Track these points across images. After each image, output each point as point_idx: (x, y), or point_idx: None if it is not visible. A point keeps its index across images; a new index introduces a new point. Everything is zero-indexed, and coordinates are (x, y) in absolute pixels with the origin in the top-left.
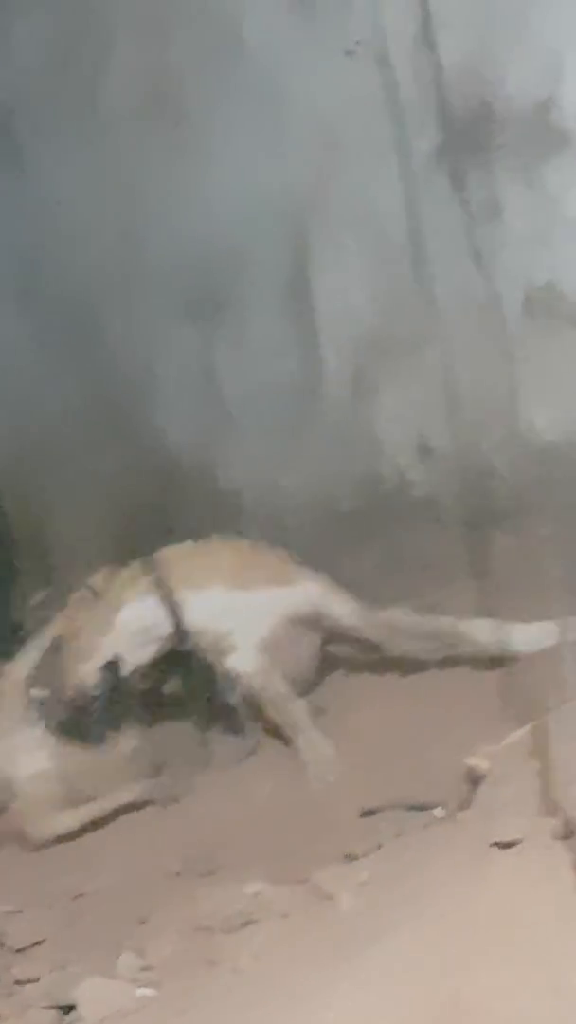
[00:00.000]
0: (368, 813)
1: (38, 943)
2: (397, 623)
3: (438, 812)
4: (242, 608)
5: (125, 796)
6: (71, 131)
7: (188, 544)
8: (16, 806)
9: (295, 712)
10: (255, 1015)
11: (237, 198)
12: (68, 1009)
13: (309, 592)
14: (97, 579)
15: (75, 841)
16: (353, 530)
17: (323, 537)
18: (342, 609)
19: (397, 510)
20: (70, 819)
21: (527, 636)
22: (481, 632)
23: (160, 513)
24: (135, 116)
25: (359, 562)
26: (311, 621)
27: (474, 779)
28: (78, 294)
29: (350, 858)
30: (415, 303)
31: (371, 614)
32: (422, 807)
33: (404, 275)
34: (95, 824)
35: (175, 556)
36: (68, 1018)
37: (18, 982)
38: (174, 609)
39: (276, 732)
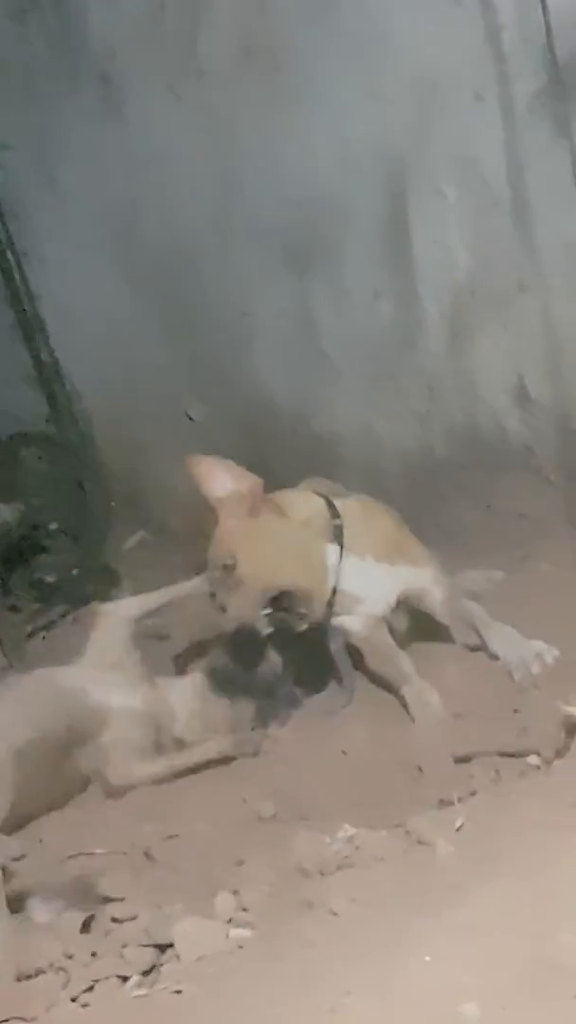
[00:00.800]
0: (462, 760)
1: (134, 883)
2: (470, 619)
3: (533, 760)
4: (381, 581)
5: (211, 751)
6: (170, 78)
7: (352, 502)
8: (103, 741)
9: (401, 663)
10: (352, 959)
11: (335, 145)
12: (165, 948)
13: (427, 577)
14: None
15: (164, 784)
16: (449, 478)
17: (418, 484)
18: (438, 596)
19: (493, 458)
20: (151, 768)
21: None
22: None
23: (256, 459)
24: (234, 63)
25: (454, 510)
26: (415, 599)
27: (570, 727)
28: (177, 242)
29: (445, 804)
30: (514, 250)
31: (455, 606)
32: (517, 754)
33: (504, 222)
34: (176, 775)
35: (349, 515)
36: (164, 956)
37: (115, 920)
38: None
39: (378, 681)
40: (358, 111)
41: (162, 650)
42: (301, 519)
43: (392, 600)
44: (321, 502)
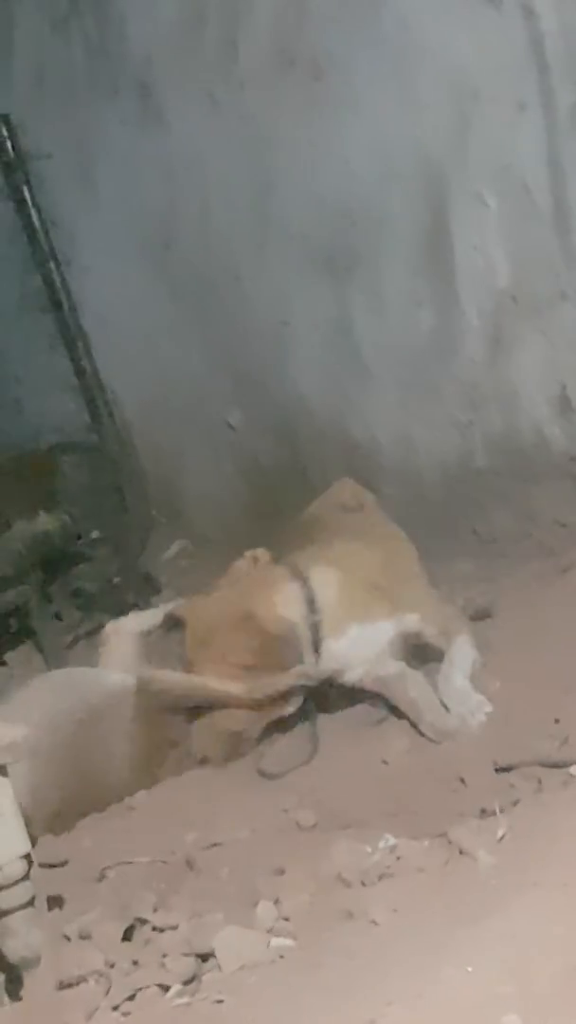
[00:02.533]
0: (503, 769)
1: (175, 892)
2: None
3: (575, 770)
4: (366, 641)
5: None
6: (209, 87)
7: (328, 568)
8: None
9: (412, 690)
10: (393, 969)
11: (374, 152)
12: (206, 957)
13: (413, 620)
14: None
15: (206, 794)
16: (488, 486)
17: (458, 493)
18: (430, 631)
19: (534, 467)
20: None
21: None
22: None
23: (293, 466)
24: (272, 70)
25: (493, 519)
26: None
27: None
28: (215, 250)
29: (487, 814)
30: (556, 258)
31: (442, 639)
32: (558, 764)
33: (545, 230)
34: None
35: (325, 586)
36: (205, 966)
37: (156, 929)
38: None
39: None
40: (398, 119)
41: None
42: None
43: (382, 648)
44: (298, 595)
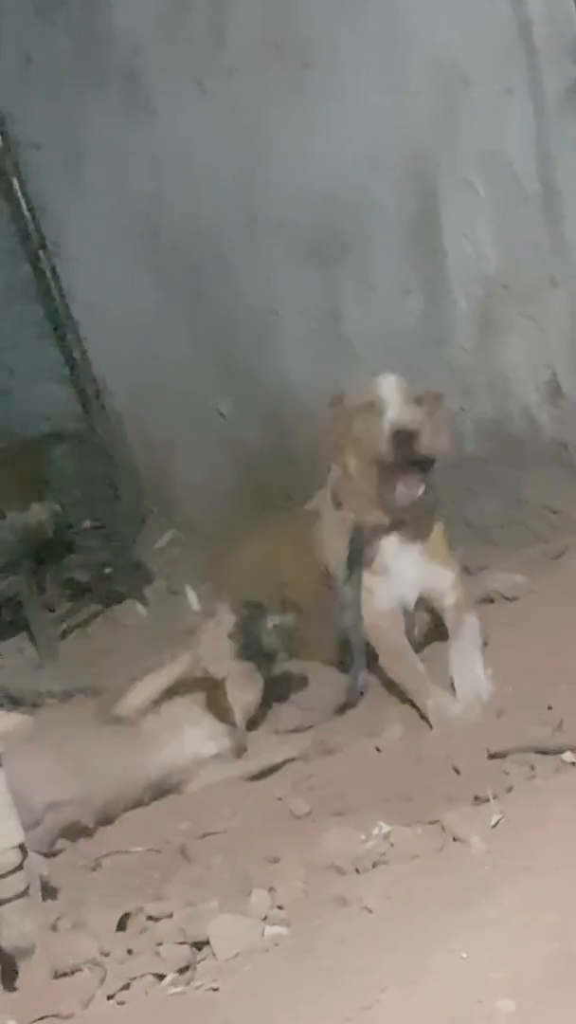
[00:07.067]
0: (497, 756)
1: (169, 881)
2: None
3: (568, 756)
4: (411, 568)
5: (282, 754)
6: (197, 74)
7: None
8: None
9: (412, 668)
10: (387, 955)
11: (362, 139)
12: (200, 945)
13: (447, 579)
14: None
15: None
16: (479, 473)
17: (449, 480)
18: (449, 600)
19: (525, 454)
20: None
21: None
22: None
23: (283, 453)
24: (260, 58)
25: (484, 506)
26: (432, 598)
27: None
28: (204, 239)
29: (480, 801)
30: (545, 245)
31: (457, 613)
32: (551, 751)
33: (534, 216)
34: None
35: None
36: (200, 954)
37: (151, 918)
38: None
39: (390, 687)
40: (386, 106)
41: None
42: None
43: (412, 594)
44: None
